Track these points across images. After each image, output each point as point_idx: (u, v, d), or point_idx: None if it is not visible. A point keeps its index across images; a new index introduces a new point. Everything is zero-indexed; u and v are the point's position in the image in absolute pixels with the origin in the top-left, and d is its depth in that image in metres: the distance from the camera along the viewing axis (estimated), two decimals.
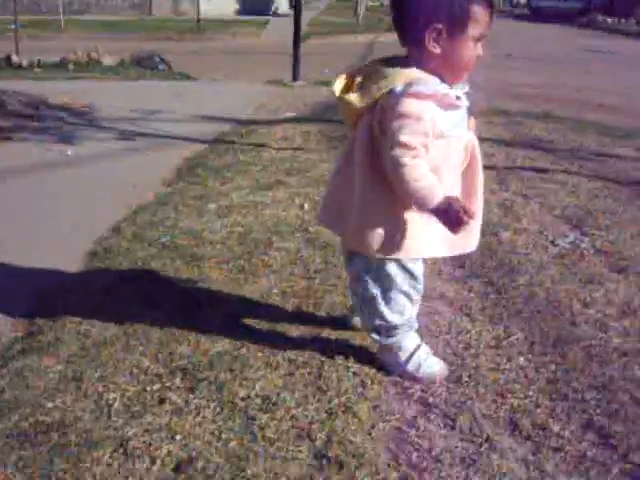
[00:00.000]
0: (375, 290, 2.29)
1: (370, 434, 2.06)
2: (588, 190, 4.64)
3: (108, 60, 12.63)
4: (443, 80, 2.08)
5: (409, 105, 2.01)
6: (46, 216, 4.11)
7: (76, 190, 4.64)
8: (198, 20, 20.64)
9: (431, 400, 2.24)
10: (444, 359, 2.45)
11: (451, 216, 2.00)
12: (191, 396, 2.24)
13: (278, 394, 2.24)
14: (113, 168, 5.24)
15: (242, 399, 2.22)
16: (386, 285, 2.29)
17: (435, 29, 2.03)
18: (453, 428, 2.10)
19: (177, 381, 2.33)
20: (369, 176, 2.14)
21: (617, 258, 3.44)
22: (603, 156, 5.79)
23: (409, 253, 2.21)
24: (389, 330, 2.34)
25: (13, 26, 19.57)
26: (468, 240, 2.28)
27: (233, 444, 2.01)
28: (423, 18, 2.03)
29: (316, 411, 2.16)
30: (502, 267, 3.27)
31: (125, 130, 6.49)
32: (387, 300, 2.30)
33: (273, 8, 28.61)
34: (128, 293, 2.99)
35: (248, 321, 2.75)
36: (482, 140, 5.94)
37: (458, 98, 2.09)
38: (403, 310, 2.31)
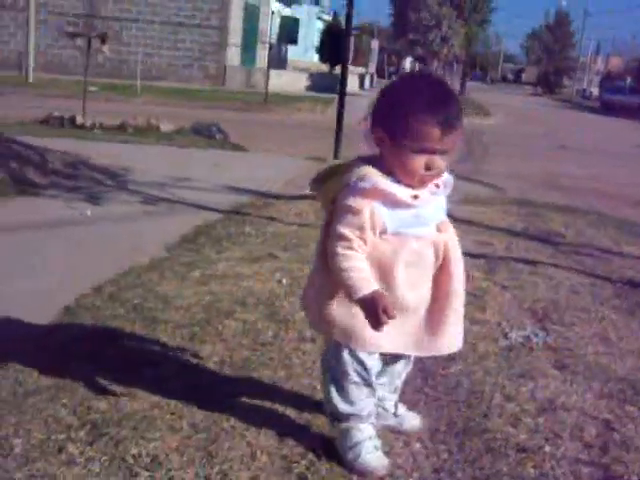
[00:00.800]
0: (330, 376, 2.37)
1: None
2: (571, 286, 4.67)
3: (166, 127, 13.11)
4: (399, 181, 2.16)
5: (351, 199, 2.13)
6: (37, 270, 4.35)
7: (76, 248, 4.90)
8: (266, 93, 21.27)
9: (309, 477, 2.33)
10: None
11: (371, 312, 2.07)
12: (88, 448, 2.38)
13: (167, 455, 2.36)
14: (121, 230, 5.50)
15: (133, 456, 2.35)
16: (339, 372, 2.34)
17: (379, 133, 2.16)
18: None
19: (82, 434, 2.47)
20: (326, 263, 2.22)
21: (564, 355, 3.48)
22: (608, 253, 5.81)
23: (365, 345, 2.26)
24: (339, 417, 2.39)
25: (92, 89, 20.64)
26: (439, 342, 2.31)
27: None
28: (373, 119, 2.20)
29: (195, 475, 2.27)
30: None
31: (149, 195, 6.78)
32: (339, 388, 2.36)
33: None
34: (78, 349, 3.17)
35: (175, 384, 2.88)
36: (488, 229, 6.19)
37: (416, 198, 2.15)
38: (354, 401, 2.35)
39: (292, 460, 2.41)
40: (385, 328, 2.10)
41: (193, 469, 2.31)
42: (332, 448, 2.44)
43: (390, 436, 2.59)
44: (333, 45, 33.38)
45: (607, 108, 34.42)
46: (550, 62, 66.41)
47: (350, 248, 2.12)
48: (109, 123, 12.72)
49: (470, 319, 3.84)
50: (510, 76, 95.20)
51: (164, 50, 25.53)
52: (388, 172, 2.16)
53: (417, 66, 34.77)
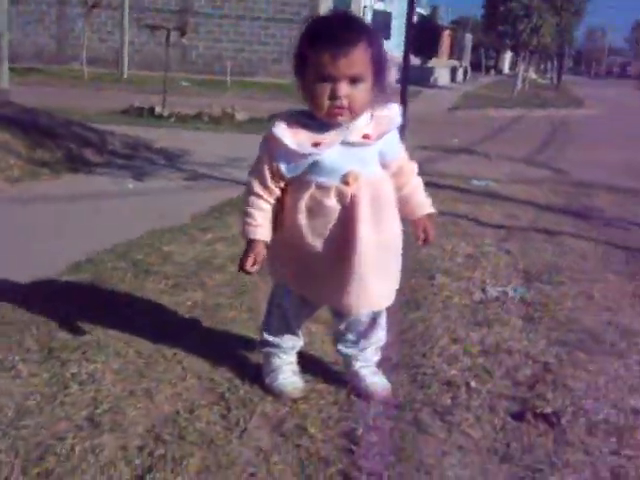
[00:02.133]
0: (267, 305, 2.62)
1: None
2: (581, 252, 4.66)
3: (242, 116, 13.42)
4: (319, 122, 2.21)
5: (259, 148, 2.32)
6: (64, 234, 4.65)
7: (108, 216, 5.20)
8: None
9: (228, 396, 2.49)
10: None
11: (243, 255, 2.35)
12: (35, 367, 2.63)
13: (103, 374, 2.59)
14: (157, 201, 5.79)
15: (72, 374, 2.58)
16: (269, 303, 2.59)
17: (296, 79, 2.24)
18: None
19: (36, 356, 2.74)
20: None
21: (536, 309, 3.51)
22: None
23: (279, 278, 2.51)
24: (264, 343, 2.60)
25: (184, 83, 21.28)
26: (350, 299, 2.34)
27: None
28: (293, 71, 2.26)
29: (121, 390, 2.48)
30: (409, 303, 3.42)
31: (196, 172, 7.08)
32: (267, 317, 2.61)
33: (432, 79, 29.20)
34: (67, 293, 3.45)
35: (142, 321, 3.09)
36: (524, 204, 6.17)
37: (316, 145, 2.20)
38: (276, 331, 2.55)
39: (217, 382, 2.58)
40: (297, 268, 2.37)
41: (121, 386, 2.50)
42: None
43: (317, 366, 2.73)
44: (426, 39, 33.27)
45: None
46: None
47: (251, 193, 2.29)
48: (186, 112, 13.13)
49: (455, 276, 3.92)
50: (616, 69, 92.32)
51: (255, 45, 25.99)
52: (310, 116, 2.23)
53: (515, 60, 34.15)
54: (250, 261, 2.30)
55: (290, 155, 2.21)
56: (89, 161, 7.15)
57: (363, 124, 2.26)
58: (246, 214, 2.31)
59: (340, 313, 2.49)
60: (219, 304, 3.37)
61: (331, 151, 2.21)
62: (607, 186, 7.87)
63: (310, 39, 2.17)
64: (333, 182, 2.24)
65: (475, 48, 48.30)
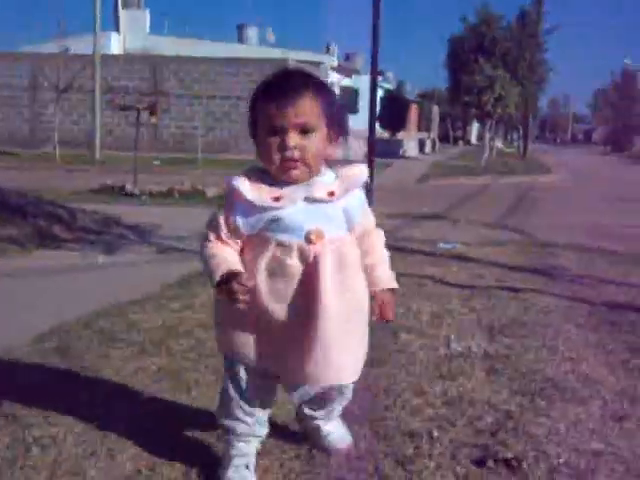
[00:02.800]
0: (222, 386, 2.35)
1: None
2: (544, 308, 4.74)
3: (212, 191, 13.56)
4: (268, 176, 2.11)
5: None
6: (33, 308, 4.66)
7: (75, 289, 5.22)
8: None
9: None
10: None
11: (227, 290, 2.04)
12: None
13: (64, 437, 2.57)
14: (127, 274, 5.82)
15: (33, 437, 2.56)
16: (224, 384, 2.32)
17: (249, 129, 2.17)
18: None
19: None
20: None
21: (499, 362, 3.56)
22: (608, 283, 5.80)
23: (225, 346, 2.25)
24: (222, 427, 2.37)
25: (156, 162, 21.45)
26: (308, 371, 2.15)
27: None
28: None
29: (82, 451, 2.47)
30: (373, 360, 3.44)
31: (167, 246, 7.12)
32: (221, 399, 2.35)
33: (401, 151, 29.73)
34: (27, 358, 3.44)
35: (105, 386, 3.09)
36: (490, 265, 6.27)
37: (277, 200, 2.07)
38: (230, 414, 2.29)
39: (179, 441, 2.58)
40: (252, 337, 2.14)
41: (83, 447, 2.51)
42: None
43: (278, 418, 2.74)
44: (394, 112, 33.97)
45: None
46: (617, 121, 65.75)
47: (207, 242, 2.15)
48: (157, 190, 13.25)
49: (419, 333, 3.97)
50: (580, 136, 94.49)
51: (225, 123, 26.43)
52: (264, 171, 2.12)
53: (482, 130, 34.92)
54: (240, 288, 2.03)
55: (248, 209, 2.08)
56: (59, 237, 7.18)
57: (329, 181, 2.14)
58: (209, 257, 2.12)
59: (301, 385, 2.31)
60: (184, 368, 3.38)
61: (293, 207, 2.08)
62: (572, 246, 8.00)
63: (258, 94, 2.12)
64: (295, 240, 2.09)
65: (442, 119, 49.39)
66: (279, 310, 2.10)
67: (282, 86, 2.09)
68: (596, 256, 7.35)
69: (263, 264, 2.10)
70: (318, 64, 29.10)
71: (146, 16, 34.78)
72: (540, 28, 30.43)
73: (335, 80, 30.90)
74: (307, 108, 2.07)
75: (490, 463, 2.49)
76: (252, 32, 36.72)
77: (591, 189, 18.37)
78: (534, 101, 30.93)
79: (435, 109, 47.11)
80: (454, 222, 9.97)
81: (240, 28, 36.96)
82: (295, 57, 27.65)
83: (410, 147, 31.25)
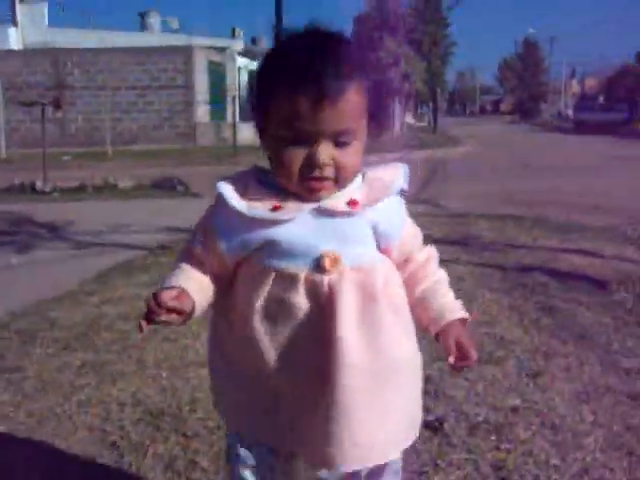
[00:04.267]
0: None
1: None
2: (459, 275, 4.86)
3: (125, 184, 13.40)
4: (270, 179, 1.48)
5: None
6: None
7: None
8: (234, 146, 21.66)
9: None
10: None
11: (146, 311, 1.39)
12: None
13: None
14: (43, 272, 5.74)
15: None
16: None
17: (254, 120, 1.51)
18: None
19: None
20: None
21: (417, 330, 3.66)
22: (519, 248, 6.02)
23: (220, 411, 1.66)
24: None
25: (66, 157, 21.01)
26: (322, 448, 1.46)
27: None
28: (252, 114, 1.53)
29: None
30: None
31: (82, 241, 7.03)
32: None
33: None
34: None
35: (30, 382, 3.08)
36: None
37: (275, 209, 1.42)
38: None
39: (108, 432, 2.61)
40: (257, 406, 1.50)
41: (11, 447, 2.50)
42: None
43: None
44: None
45: (581, 127, 34.88)
46: (524, 90, 67.60)
47: (182, 260, 1.54)
48: (68, 185, 13.02)
49: None
50: (489, 107, 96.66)
51: (133, 114, 26.07)
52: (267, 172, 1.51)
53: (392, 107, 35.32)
54: (152, 304, 1.37)
55: (234, 222, 1.44)
56: None
57: (352, 187, 1.49)
58: (167, 277, 1.52)
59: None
60: (108, 361, 3.39)
61: (298, 221, 1.43)
62: (483, 215, 8.24)
63: (274, 71, 1.42)
64: (301, 268, 1.43)
65: None
66: (283, 367, 1.45)
67: (317, 66, 1.35)
68: (506, 222, 7.59)
69: (258, 303, 1.44)
70: (224, 49, 28.92)
71: (44, 8, 33.84)
72: (442, 4, 30.93)
73: (242, 64, 30.75)
74: (353, 105, 1.40)
75: None
76: (154, 20, 36.10)
77: (501, 158, 18.85)
78: (441, 75, 31.46)
79: None
80: None
81: (142, 16, 36.30)
82: (200, 43, 27.42)
83: None
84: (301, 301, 1.43)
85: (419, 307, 1.60)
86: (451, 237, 6.64)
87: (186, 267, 1.52)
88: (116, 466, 2.37)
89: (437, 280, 1.62)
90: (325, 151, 1.39)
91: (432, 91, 33.50)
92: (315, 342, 1.43)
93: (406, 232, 1.57)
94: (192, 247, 1.52)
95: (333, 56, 1.38)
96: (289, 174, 1.42)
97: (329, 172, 1.41)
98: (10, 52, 27.11)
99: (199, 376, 3.05)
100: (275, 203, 1.43)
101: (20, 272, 5.78)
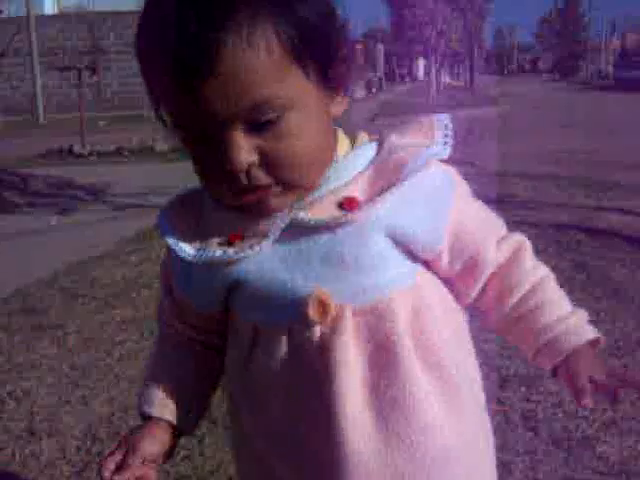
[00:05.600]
0: None
1: None
2: None
3: (161, 146, 13.49)
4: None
5: None
6: None
7: (32, 251, 5.26)
8: None
9: None
10: None
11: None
12: None
13: (38, 389, 2.67)
14: (82, 233, 5.86)
15: (8, 393, 2.66)
16: None
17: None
18: None
19: None
20: None
21: None
22: (555, 206, 6.00)
23: None
24: None
25: (102, 123, 21.21)
26: None
27: None
28: None
29: (57, 400, 2.58)
30: None
31: (120, 203, 7.15)
32: None
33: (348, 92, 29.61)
34: None
35: (72, 337, 3.19)
36: None
37: (234, 240, 0.96)
38: None
39: None
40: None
41: (56, 397, 2.61)
42: None
43: None
44: None
45: (621, 85, 34.18)
46: (563, 47, 66.33)
47: (159, 339, 1.16)
48: (106, 149, 13.17)
49: None
50: (527, 66, 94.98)
51: None
52: None
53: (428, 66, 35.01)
54: (109, 462, 0.97)
55: (188, 270, 1.01)
56: (12, 203, 7.18)
57: (346, 175, 0.96)
58: (148, 367, 1.16)
59: None
60: (147, 316, 3.47)
61: (265, 253, 0.95)
62: (520, 174, 8.20)
63: (138, 48, 0.95)
64: (281, 321, 0.97)
65: (387, 58, 49.24)
66: (282, 456, 1.02)
67: (184, 15, 0.83)
68: (543, 181, 7.55)
69: (241, 371, 1.03)
70: None
71: None
72: None
73: None
74: (263, 62, 0.84)
75: None
76: None
77: (535, 117, 18.63)
78: (478, 33, 31.04)
79: (379, 48, 47.06)
80: None
81: None
82: None
83: (357, 87, 31.22)
84: (288, 367, 0.97)
85: (515, 331, 1.06)
86: (485, 196, 6.60)
87: (161, 359, 1.12)
88: None
89: (538, 283, 1.05)
90: (238, 144, 0.87)
91: (469, 49, 33.07)
92: (314, 426, 0.97)
93: (457, 221, 1.00)
94: (162, 305, 1.12)
95: (216, 12, 0.82)
96: (211, 189, 0.97)
97: (259, 174, 0.89)
98: (45, 17, 27.24)
99: None
100: (233, 230, 0.96)
101: (62, 233, 5.91)
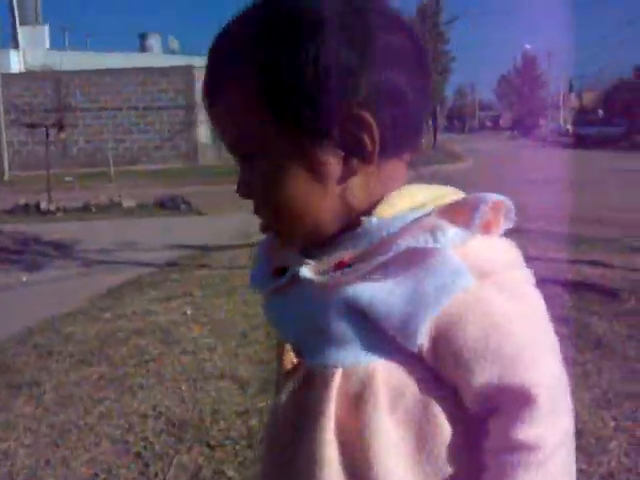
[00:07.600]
0: None
1: None
2: None
3: (129, 203, 13.44)
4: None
5: None
6: None
7: (2, 308, 5.13)
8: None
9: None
10: None
11: None
12: None
13: (15, 450, 2.57)
14: (53, 289, 5.74)
15: None
16: None
17: None
18: None
19: None
20: None
21: None
22: (526, 260, 6.00)
23: None
24: None
25: (68, 179, 21.06)
26: None
27: None
28: None
29: (36, 461, 2.48)
30: None
31: (90, 259, 7.05)
32: None
33: None
34: None
35: (49, 396, 3.09)
36: None
37: (275, 273, 0.91)
38: None
39: (132, 443, 2.60)
40: None
41: (35, 458, 2.51)
42: None
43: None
44: None
45: (580, 142, 34.88)
46: (522, 105, 67.85)
47: None
48: (73, 205, 13.07)
49: None
50: (488, 123, 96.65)
51: (134, 134, 26.15)
52: None
53: None
54: None
55: None
56: None
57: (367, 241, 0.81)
58: None
59: None
60: (126, 374, 3.39)
61: (276, 295, 0.91)
62: None
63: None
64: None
65: None
66: None
67: (210, 60, 0.89)
68: (514, 235, 7.56)
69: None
70: None
71: (45, 31, 34.07)
72: (440, 19, 31.05)
73: None
74: (236, 110, 0.83)
75: None
76: (155, 41, 36.34)
77: (502, 173, 18.87)
78: (440, 91, 31.53)
79: None
80: None
81: (142, 37, 36.53)
82: (201, 63, 27.49)
83: None
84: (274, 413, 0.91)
85: None
86: None
87: None
88: (142, 476, 2.36)
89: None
90: (242, 173, 0.86)
91: (432, 108, 33.53)
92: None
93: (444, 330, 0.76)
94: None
95: (230, 41, 0.86)
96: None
97: (260, 210, 0.86)
98: (12, 75, 27.23)
99: (218, 388, 3.07)
100: (278, 262, 0.90)
101: (32, 290, 5.79)
